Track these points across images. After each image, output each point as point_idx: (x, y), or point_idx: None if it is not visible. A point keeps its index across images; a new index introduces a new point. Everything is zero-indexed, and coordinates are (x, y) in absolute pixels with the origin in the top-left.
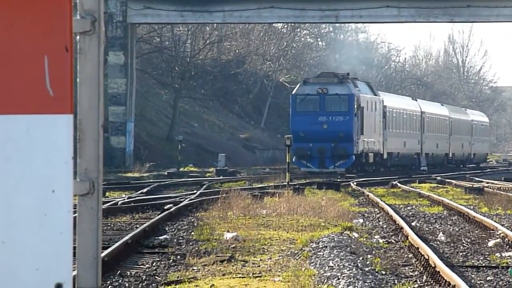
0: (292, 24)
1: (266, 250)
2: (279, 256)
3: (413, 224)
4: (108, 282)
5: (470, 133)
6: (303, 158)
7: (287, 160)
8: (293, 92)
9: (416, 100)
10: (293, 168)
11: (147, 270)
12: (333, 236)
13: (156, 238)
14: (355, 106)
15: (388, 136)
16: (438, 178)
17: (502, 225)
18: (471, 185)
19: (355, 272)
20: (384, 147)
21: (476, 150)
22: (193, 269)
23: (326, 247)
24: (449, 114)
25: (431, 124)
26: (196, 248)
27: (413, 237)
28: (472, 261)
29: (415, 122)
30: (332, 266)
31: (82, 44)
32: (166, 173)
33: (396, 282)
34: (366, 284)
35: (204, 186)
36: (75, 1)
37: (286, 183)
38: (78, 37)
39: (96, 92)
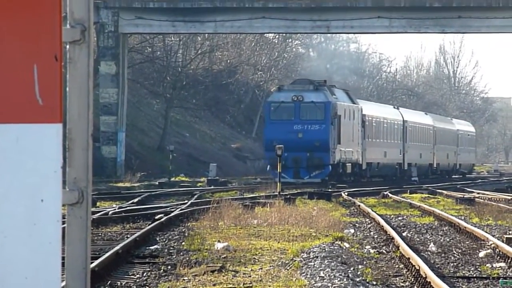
0: (284, 34)
1: (257, 260)
2: (270, 266)
3: (404, 234)
4: None
5: (455, 143)
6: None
7: (278, 170)
8: (267, 99)
9: (398, 109)
10: (270, 178)
11: (138, 280)
12: (324, 246)
13: (147, 248)
14: (332, 114)
15: (367, 146)
16: (429, 188)
17: (493, 235)
18: (462, 196)
19: (346, 282)
20: (363, 157)
21: (461, 161)
22: (183, 279)
23: (317, 257)
24: (433, 123)
25: (414, 133)
26: (187, 258)
27: (404, 248)
28: (463, 272)
29: (396, 131)
30: (323, 277)
31: (72, 53)
32: (157, 183)
33: None
34: None
35: (195, 196)
36: (65, 10)
37: (277, 193)
38: (68, 46)
39: (86, 101)
